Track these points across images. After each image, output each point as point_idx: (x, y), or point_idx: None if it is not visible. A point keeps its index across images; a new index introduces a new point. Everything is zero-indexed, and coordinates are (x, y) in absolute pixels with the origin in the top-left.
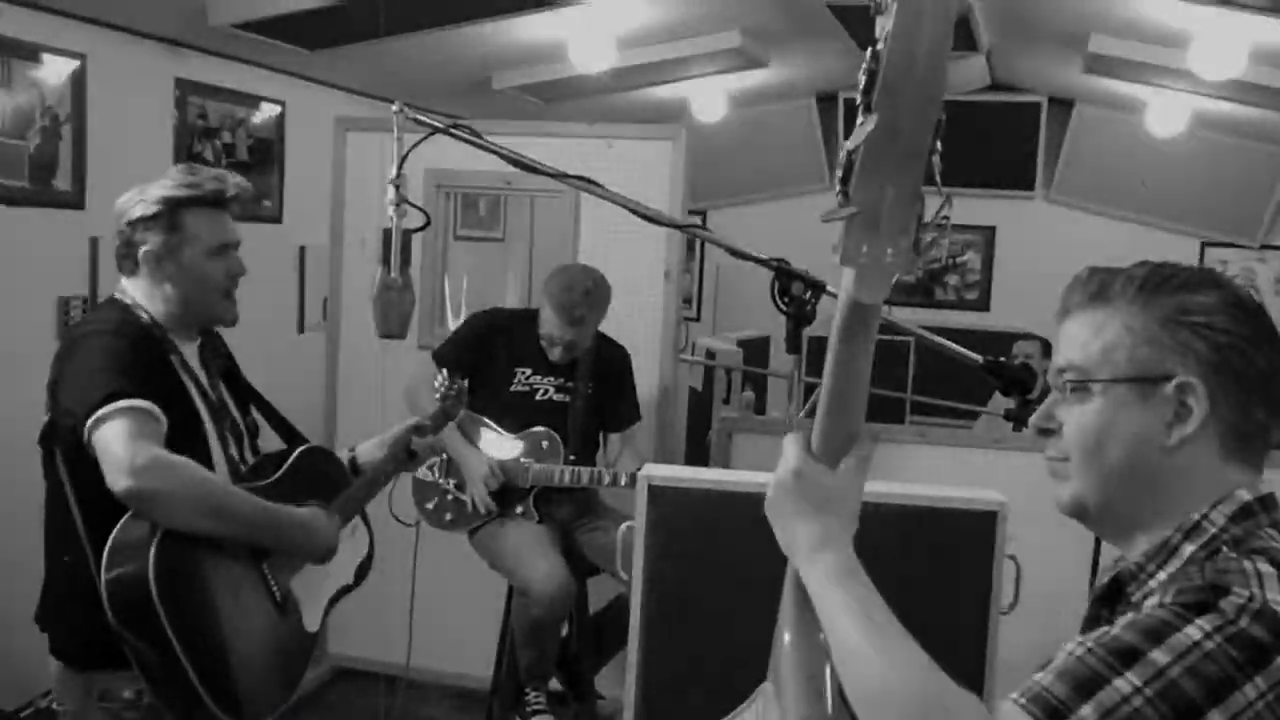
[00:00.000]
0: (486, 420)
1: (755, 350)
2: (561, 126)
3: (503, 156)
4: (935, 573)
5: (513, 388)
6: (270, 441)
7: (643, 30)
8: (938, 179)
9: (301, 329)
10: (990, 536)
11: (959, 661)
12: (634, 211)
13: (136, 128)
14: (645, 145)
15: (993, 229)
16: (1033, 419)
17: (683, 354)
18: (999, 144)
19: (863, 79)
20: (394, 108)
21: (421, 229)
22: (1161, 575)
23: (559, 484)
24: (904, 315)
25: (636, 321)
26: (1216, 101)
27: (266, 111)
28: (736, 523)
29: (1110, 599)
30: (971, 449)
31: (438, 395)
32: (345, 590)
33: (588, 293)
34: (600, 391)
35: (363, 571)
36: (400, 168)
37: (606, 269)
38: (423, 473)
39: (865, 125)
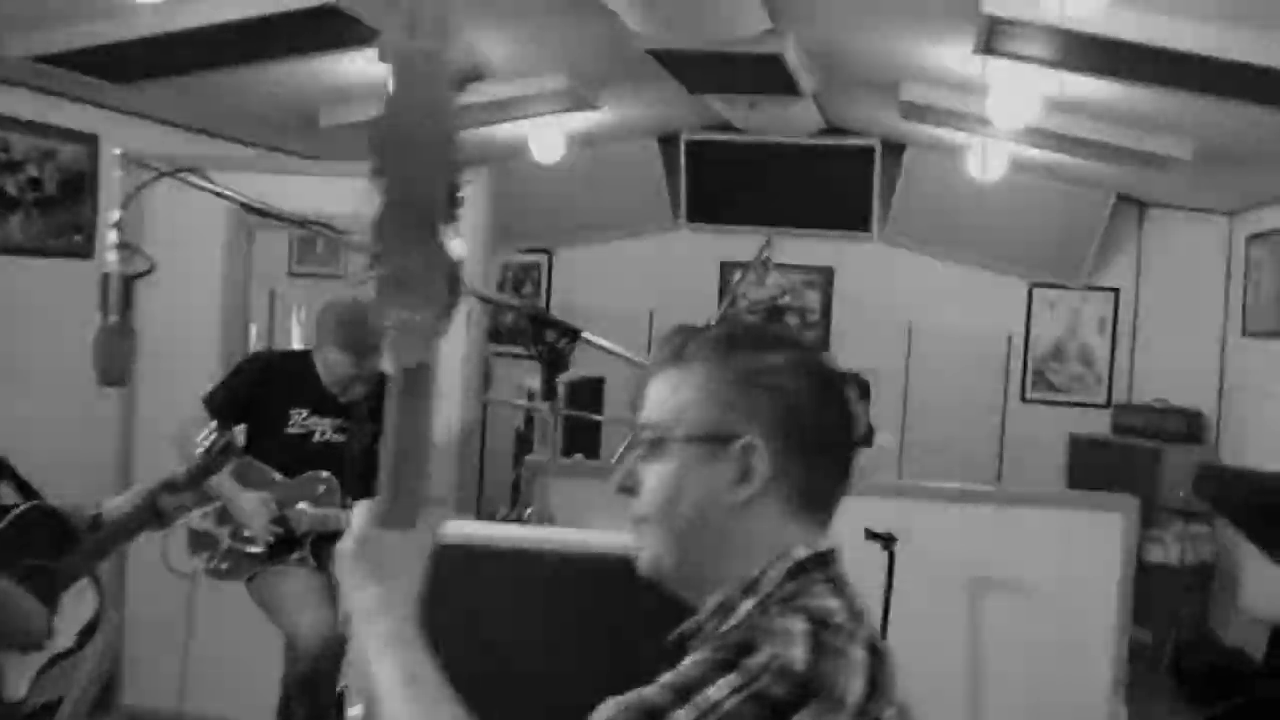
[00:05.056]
0: (254, 463)
1: (586, 391)
2: (357, 167)
3: (236, 201)
4: None
5: (288, 429)
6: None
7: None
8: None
9: None
10: None
11: None
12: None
13: None
14: None
15: (831, 270)
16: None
17: (488, 395)
18: (835, 186)
19: (370, 142)
20: (115, 151)
21: (145, 274)
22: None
23: (335, 529)
24: None
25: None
26: (1029, 149)
27: (80, 144)
28: (504, 579)
29: (677, 656)
30: None
31: (200, 449)
32: (64, 655)
33: (366, 321)
34: (381, 431)
35: (86, 634)
36: (124, 211)
37: None
38: (196, 523)
39: (376, 192)
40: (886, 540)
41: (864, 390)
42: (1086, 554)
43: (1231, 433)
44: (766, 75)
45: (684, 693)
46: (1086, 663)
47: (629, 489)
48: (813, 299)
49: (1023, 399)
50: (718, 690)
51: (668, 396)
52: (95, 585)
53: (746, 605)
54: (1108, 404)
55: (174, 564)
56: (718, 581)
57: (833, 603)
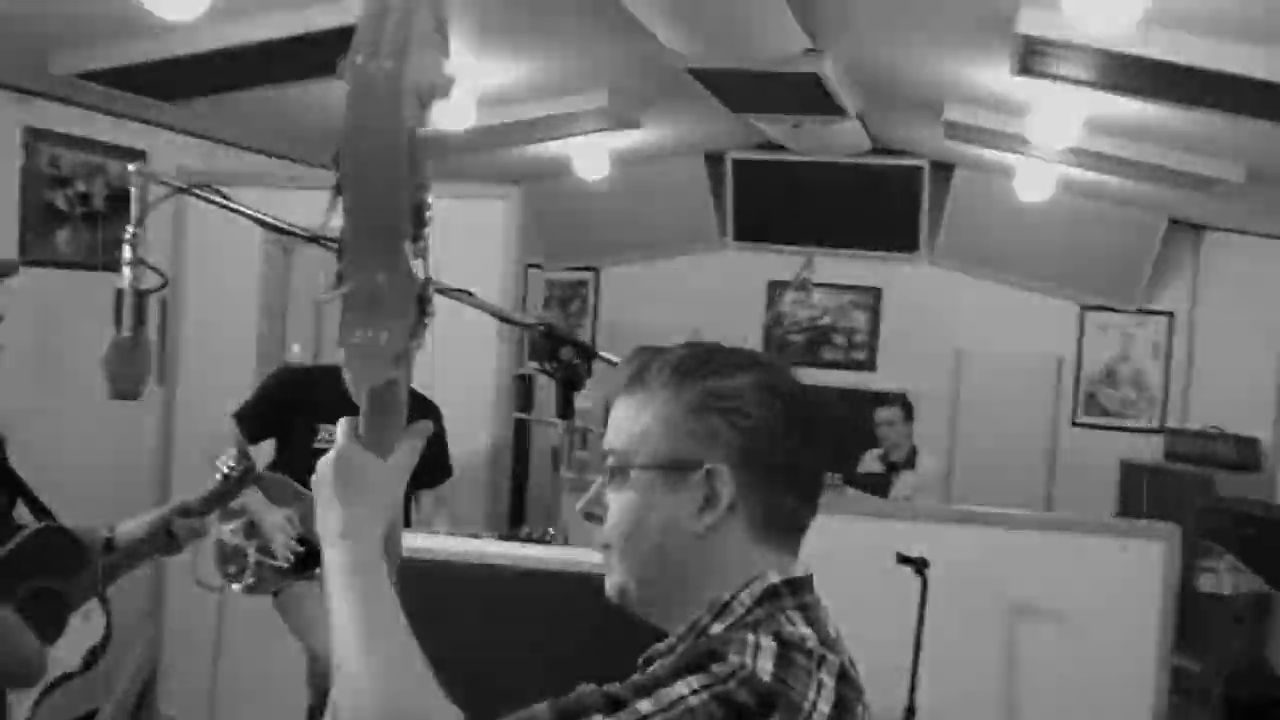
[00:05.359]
0: (281, 479)
1: None
2: None
3: (250, 218)
4: None
5: (315, 445)
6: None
7: (503, 90)
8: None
9: (161, 380)
10: None
11: None
12: None
13: None
14: (480, 204)
15: (878, 290)
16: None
17: (531, 414)
18: (883, 206)
19: (334, 160)
20: (130, 168)
21: (159, 289)
22: None
23: None
24: None
25: (470, 379)
26: (1078, 170)
27: (128, 160)
28: (493, 594)
29: None
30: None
31: (219, 474)
32: (67, 677)
33: None
34: None
35: (93, 658)
36: (139, 226)
37: (440, 324)
38: (225, 538)
39: (338, 209)
40: (919, 565)
41: (909, 412)
42: (1128, 582)
43: None
44: (807, 94)
45: (645, 689)
46: (1127, 694)
47: (595, 516)
48: (860, 320)
49: (1073, 423)
50: (685, 685)
51: (629, 422)
52: (104, 607)
53: (717, 629)
54: (1160, 429)
55: (202, 577)
56: (684, 608)
57: (804, 630)
